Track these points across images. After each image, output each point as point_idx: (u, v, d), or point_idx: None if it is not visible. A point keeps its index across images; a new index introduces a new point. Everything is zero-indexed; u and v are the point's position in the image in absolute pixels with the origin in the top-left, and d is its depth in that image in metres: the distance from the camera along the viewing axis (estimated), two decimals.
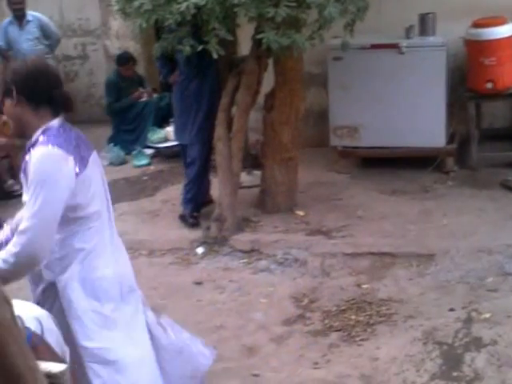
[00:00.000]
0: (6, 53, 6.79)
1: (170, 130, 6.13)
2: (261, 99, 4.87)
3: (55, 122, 2.17)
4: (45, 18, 6.90)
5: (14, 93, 2.12)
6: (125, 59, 6.55)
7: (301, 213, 4.73)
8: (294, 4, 3.72)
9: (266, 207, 4.79)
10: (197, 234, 4.53)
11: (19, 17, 6.73)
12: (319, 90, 5.99)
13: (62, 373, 1.12)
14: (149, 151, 6.37)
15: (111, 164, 6.24)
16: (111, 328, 2.22)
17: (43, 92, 2.15)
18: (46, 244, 2.05)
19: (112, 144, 6.46)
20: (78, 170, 2.09)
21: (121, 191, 5.58)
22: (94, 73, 7.71)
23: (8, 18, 6.88)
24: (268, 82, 4.73)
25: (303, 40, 3.89)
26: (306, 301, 3.70)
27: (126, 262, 2.41)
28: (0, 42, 6.81)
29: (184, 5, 3.50)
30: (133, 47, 7.27)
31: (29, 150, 2.11)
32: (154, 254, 4.34)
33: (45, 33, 6.86)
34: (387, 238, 4.28)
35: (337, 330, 3.38)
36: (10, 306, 0.91)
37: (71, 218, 2.13)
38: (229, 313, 3.63)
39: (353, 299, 3.66)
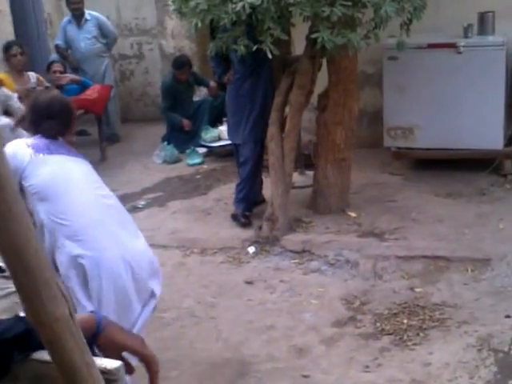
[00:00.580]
0: (64, 51, 7.00)
1: (223, 129, 6.20)
2: (314, 99, 4.87)
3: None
4: (102, 18, 7.07)
5: None
6: (180, 63, 6.59)
7: (353, 214, 4.71)
8: (349, 3, 3.69)
9: (318, 208, 4.79)
10: (248, 233, 4.57)
11: (78, 16, 6.92)
12: (373, 90, 5.95)
13: (117, 369, 1.13)
14: (202, 150, 6.45)
15: (165, 162, 6.35)
16: None
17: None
18: None
19: (166, 143, 6.57)
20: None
21: (174, 189, 5.69)
22: (150, 72, 7.87)
23: (67, 17, 7.08)
24: (322, 81, 4.73)
25: (358, 39, 3.86)
26: (357, 303, 3.68)
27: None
28: (59, 41, 7.01)
29: (239, 4, 3.54)
30: (188, 46, 7.37)
31: None
32: (206, 253, 4.40)
33: (102, 32, 7.04)
34: (442, 241, 4.22)
35: (388, 334, 3.36)
36: (68, 301, 0.94)
37: None
38: (279, 313, 3.65)
39: (405, 303, 3.62)
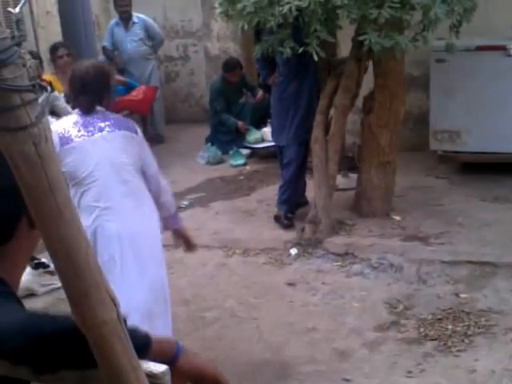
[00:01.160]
0: (111, 53, 7.15)
1: (266, 130, 6.23)
2: (359, 101, 4.85)
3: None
4: (149, 20, 7.20)
5: None
6: (231, 66, 6.62)
7: (397, 217, 4.67)
8: (397, 5, 3.67)
9: (361, 211, 4.77)
10: (291, 235, 4.58)
11: (125, 19, 7.06)
12: (420, 93, 5.89)
13: (163, 373, 1.10)
14: (245, 151, 6.50)
15: (208, 163, 6.42)
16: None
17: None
18: None
19: (209, 144, 6.64)
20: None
21: (217, 190, 5.75)
22: (195, 73, 7.98)
23: (114, 19, 7.23)
24: (367, 84, 4.71)
25: (406, 41, 3.83)
26: (400, 307, 3.66)
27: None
28: (106, 43, 7.17)
29: (286, 7, 3.56)
30: (232, 48, 7.44)
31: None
32: (248, 254, 4.43)
33: (149, 34, 7.17)
34: (488, 246, 4.15)
35: (432, 339, 3.32)
36: (116, 306, 0.94)
37: None
38: (321, 315, 3.65)
39: (450, 308, 3.58)
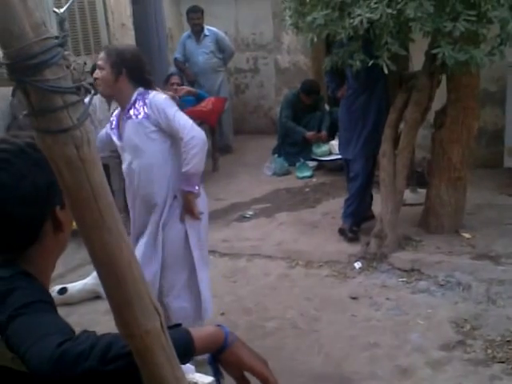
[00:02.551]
0: (182, 65, 7.36)
1: (334, 143, 6.25)
2: (430, 116, 4.81)
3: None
4: (221, 33, 7.37)
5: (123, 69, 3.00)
6: (309, 89, 6.70)
7: (467, 235, 4.59)
8: (473, 18, 3.62)
9: (429, 227, 4.71)
10: (355, 248, 4.58)
11: (197, 31, 7.27)
12: (496, 109, 5.80)
13: None
14: (312, 164, 6.54)
15: (275, 174, 6.50)
16: None
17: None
18: None
19: (276, 155, 6.72)
20: None
21: (282, 201, 5.81)
22: (264, 85, 8.10)
23: (186, 32, 7.45)
24: (440, 98, 4.67)
25: (482, 56, 3.76)
26: (467, 327, 3.59)
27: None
28: (178, 55, 7.39)
29: (357, 19, 3.58)
30: (302, 61, 7.52)
31: (133, 105, 3.04)
32: (311, 266, 4.45)
33: (219, 47, 7.34)
34: None
35: (500, 362, 3.24)
36: (159, 315, 0.93)
37: None
38: (384, 331, 3.63)
39: None
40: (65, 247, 1.28)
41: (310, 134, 6.67)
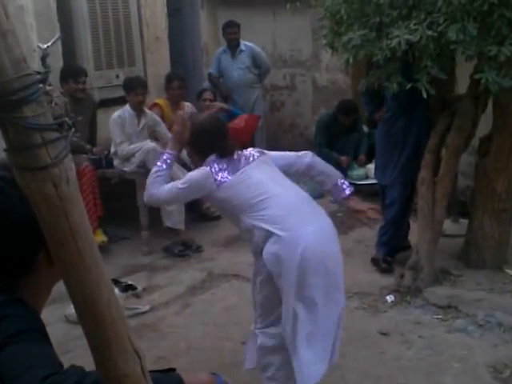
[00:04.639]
0: (216, 80, 7.42)
1: (370, 167, 6.20)
2: (476, 142, 4.74)
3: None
4: (257, 49, 7.42)
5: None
6: (347, 110, 6.68)
7: (511, 272, 4.48)
8: None
9: (469, 261, 4.62)
10: (388, 280, 4.51)
11: (233, 46, 7.33)
12: None
13: None
14: None
15: None
16: None
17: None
18: None
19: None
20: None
21: None
22: (300, 103, 8.10)
23: (222, 46, 7.53)
24: (486, 124, 4.59)
25: None
26: (507, 373, 3.47)
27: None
28: (212, 70, 7.46)
29: (395, 40, 3.55)
30: (341, 80, 7.51)
31: None
32: None
33: (255, 63, 7.39)
34: None
35: None
36: (140, 359, 0.93)
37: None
38: (415, 372, 3.54)
39: None
40: (60, 277, 1.30)
41: (343, 158, 6.63)
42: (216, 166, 2.99)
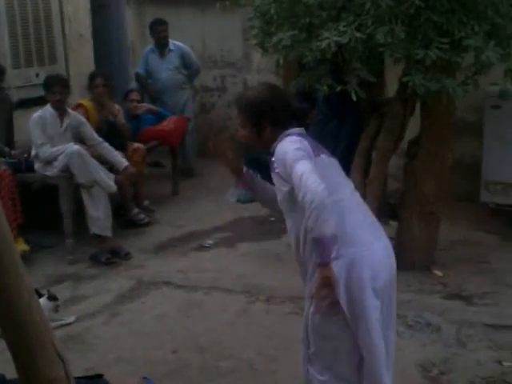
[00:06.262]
0: (144, 81, 7.40)
1: None
2: (404, 144, 4.92)
3: (293, 131, 2.65)
4: (187, 49, 7.45)
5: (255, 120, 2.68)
6: None
7: (439, 273, 4.68)
8: (446, 46, 3.73)
9: (399, 262, 4.65)
10: None
11: (162, 45, 7.33)
12: (473, 140, 5.94)
13: None
14: None
15: (239, 201, 6.54)
16: None
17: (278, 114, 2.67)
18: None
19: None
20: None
21: (245, 230, 5.85)
22: (232, 105, 8.16)
23: (150, 46, 7.50)
24: (414, 127, 4.78)
25: (454, 85, 3.87)
26: (435, 371, 3.64)
27: None
28: (140, 70, 7.44)
29: (325, 42, 3.65)
30: (273, 81, 7.61)
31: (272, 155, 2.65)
32: (273, 301, 4.48)
33: (185, 63, 7.41)
34: None
35: None
36: (63, 362, 0.94)
37: None
38: None
39: (490, 377, 3.54)
40: None
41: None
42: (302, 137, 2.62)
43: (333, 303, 2.51)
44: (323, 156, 2.62)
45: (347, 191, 2.67)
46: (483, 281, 4.57)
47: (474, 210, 5.71)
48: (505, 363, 3.66)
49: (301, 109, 2.76)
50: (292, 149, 2.51)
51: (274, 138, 2.65)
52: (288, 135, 2.61)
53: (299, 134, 2.62)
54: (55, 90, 5.44)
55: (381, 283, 2.57)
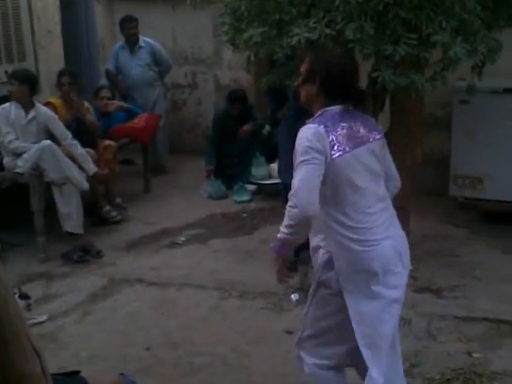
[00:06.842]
0: (114, 77, 7.34)
1: (274, 166, 6.35)
2: None
3: (333, 108, 2.67)
4: (157, 45, 7.41)
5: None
6: (233, 97, 6.85)
7: (411, 267, 4.72)
8: (415, 42, 3.77)
9: None
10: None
11: (132, 42, 7.28)
12: (442, 135, 6.01)
13: None
14: (251, 187, 6.62)
15: (210, 197, 6.55)
16: None
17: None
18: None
19: (212, 177, 6.74)
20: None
21: (217, 227, 5.85)
22: (203, 102, 8.16)
23: (120, 42, 7.45)
24: (384, 122, 4.81)
25: (423, 81, 3.91)
26: (406, 364, 3.66)
27: None
28: (110, 67, 7.38)
29: (295, 39, 3.66)
30: (244, 78, 7.64)
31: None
32: (246, 297, 4.49)
33: (156, 60, 7.37)
34: (507, 303, 4.19)
35: None
36: (40, 357, 0.92)
37: None
38: None
39: (461, 368, 3.59)
40: None
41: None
42: None
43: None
44: (347, 155, 2.61)
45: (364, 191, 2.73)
46: (453, 274, 4.63)
47: (443, 203, 5.77)
48: (474, 355, 3.71)
49: (360, 92, 2.79)
50: (304, 146, 2.56)
51: (319, 105, 2.71)
52: (320, 115, 2.66)
53: (330, 118, 2.62)
54: (12, 81, 5.44)
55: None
